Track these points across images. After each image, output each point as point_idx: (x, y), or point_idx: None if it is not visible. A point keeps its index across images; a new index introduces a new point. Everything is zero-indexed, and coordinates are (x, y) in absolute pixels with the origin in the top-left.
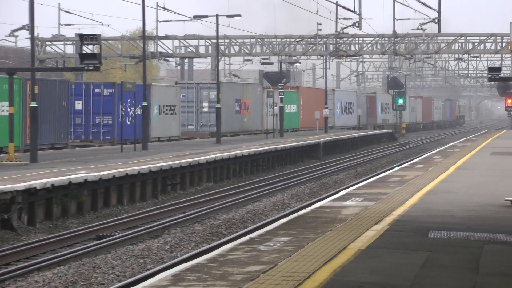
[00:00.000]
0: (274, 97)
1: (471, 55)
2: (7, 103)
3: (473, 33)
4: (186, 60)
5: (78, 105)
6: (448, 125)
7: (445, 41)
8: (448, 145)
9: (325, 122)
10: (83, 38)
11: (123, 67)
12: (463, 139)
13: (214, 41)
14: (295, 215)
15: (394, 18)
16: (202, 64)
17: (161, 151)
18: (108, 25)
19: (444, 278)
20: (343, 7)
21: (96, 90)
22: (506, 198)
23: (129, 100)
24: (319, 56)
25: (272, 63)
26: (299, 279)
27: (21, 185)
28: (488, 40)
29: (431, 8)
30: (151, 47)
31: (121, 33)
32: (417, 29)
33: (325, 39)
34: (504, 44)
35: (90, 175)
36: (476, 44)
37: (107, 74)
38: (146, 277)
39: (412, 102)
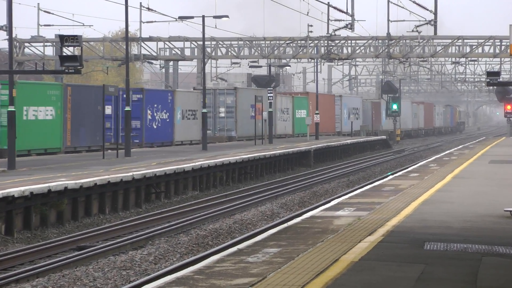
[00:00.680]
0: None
1: (469, 58)
2: (51, 108)
3: (471, 35)
4: (171, 63)
5: (108, 110)
6: (449, 131)
7: (441, 44)
8: (445, 152)
9: (316, 128)
10: (63, 40)
11: (105, 69)
12: (460, 146)
13: (200, 43)
14: (285, 225)
15: (388, 20)
16: (187, 67)
17: (145, 158)
18: (90, 26)
19: None
20: (335, 8)
21: (125, 96)
22: (505, 209)
23: (155, 105)
24: (310, 59)
25: (260, 66)
26: None
27: None
28: (487, 43)
29: (427, 10)
30: (134, 49)
31: (103, 34)
32: (412, 31)
33: (316, 42)
34: (503, 47)
35: (71, 182)
36: (474, 47)
37: (88, 77)
38: None
39: (415, 108)
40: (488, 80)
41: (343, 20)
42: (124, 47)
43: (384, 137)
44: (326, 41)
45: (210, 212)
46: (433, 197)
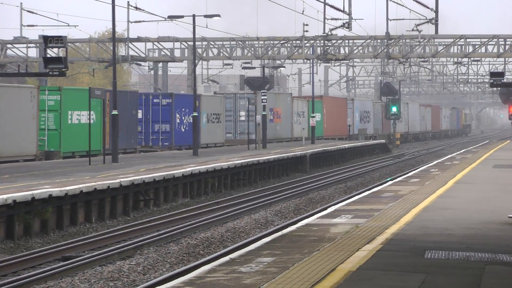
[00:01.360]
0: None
1: (472, 58)
2: (86, 112)
3: (473, 34)
4: (160, 65)
5: (139, 114)
6: (455, 134)
7: (443, 43)
8: (447, 157)
9: (312, 132)
10: (47, 41)
11: (91, 72)
12: (462, 150)
13: (191, 43)
14: (280, 233)
15: (387, 19)
16: (177, 69)
17: (133, 164)
18: (75, 26)
19: None
20: (332, 6)
21: (155, 100)
22: (509, 215)
23: (183, 109)
24: (305, 60)
25: (254, 68)
26: None
27: None
28: (490, 42)
29: (428, 8)
30: (121, 50)
31: (89, 35)
32: (413, 30)
33: (312, 41)
34: (507, 46)
35: (55, 190)
36: (476, 46)
37: (74, 79)
38: None
39: (422, 111)
40: (492, 81)
41: (340, 19)
42: (111, 48)
43: (383, 141)
44: (322, 41)
45: (201, 220)
46: (434, 204)
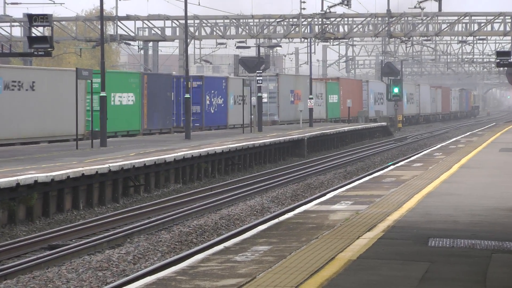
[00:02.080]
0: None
1: (477, 37)
2: (131, 94)
3: (478, 12)
4: (150, 44)
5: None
6: (464, 116)
7: (446, 21)
8: (451, 140)
9: (310, 114)
10: (32, 19)
11: (78, 51)
12: (467, 133)
13: (182, 21)
14: (276, 221)
15: None
16: (168, 48)
17: (122, 148)
18: (61, 4)
19: None
20: None
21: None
22: None
23: (213, 91)
24: (302, 39)
25: (249, 47)
26: None
27: None
28: (496, 20)
29: None
30: (110, 29)
31: (76, 13)
32: (415, 7)
33: (309, 20)
34: None
35: (41, 175)
36: (482, 24)
37: (60, 59)
38: None
39: (433, 93)
40: (498, 60)
41: None
42: (99, 27)
43: (384, 123)
44: (320, 19)
45: (194, 206)
46: (438, 189)
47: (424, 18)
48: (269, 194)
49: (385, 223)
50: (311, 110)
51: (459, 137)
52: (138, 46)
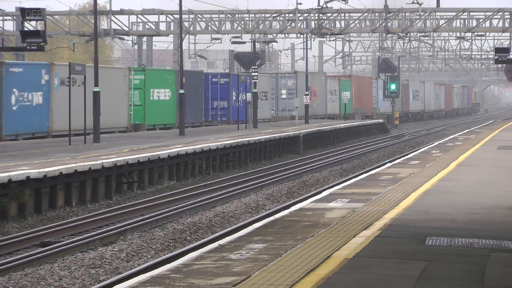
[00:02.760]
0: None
1: (475, 33)
2: (168, 90)
3: (477, 7)
4: (144, 39)
5: None
6: (465, 113)
7: (444, 17)
8: (449, 137)
9: (306, 111)
10: (24, 13)
11: (71, 46)
12: (465, 130)
13: (177, 16)
14: (271, 218)
15: None
16: (163, 43)
17: (116, 144)
18: None
19: None
20: None
21: (213, 79)
22: None
23: (240, 88)
24: (298, 35)
25: (244, 42)
26: None
27: None
28: (495, 16)
29: None
30: (103, 24)
31: (69, 7)
32: (413, 3)
33: (305, 15)
34: None
35: (33, 171)
36: (480, 20)
37: (53, 54)
38: None
39: (437, 90)
40: (497, 57)
41: None
42: (92, 21)
43: (381, 120)
44: (316, 14)
45: (188, 204)
46: (435, 187)
47: (422, 13)
48: (264, 191)
49: (381, 222)
50: (307, 106)
51: (457, 134)
52: (132, 41)
